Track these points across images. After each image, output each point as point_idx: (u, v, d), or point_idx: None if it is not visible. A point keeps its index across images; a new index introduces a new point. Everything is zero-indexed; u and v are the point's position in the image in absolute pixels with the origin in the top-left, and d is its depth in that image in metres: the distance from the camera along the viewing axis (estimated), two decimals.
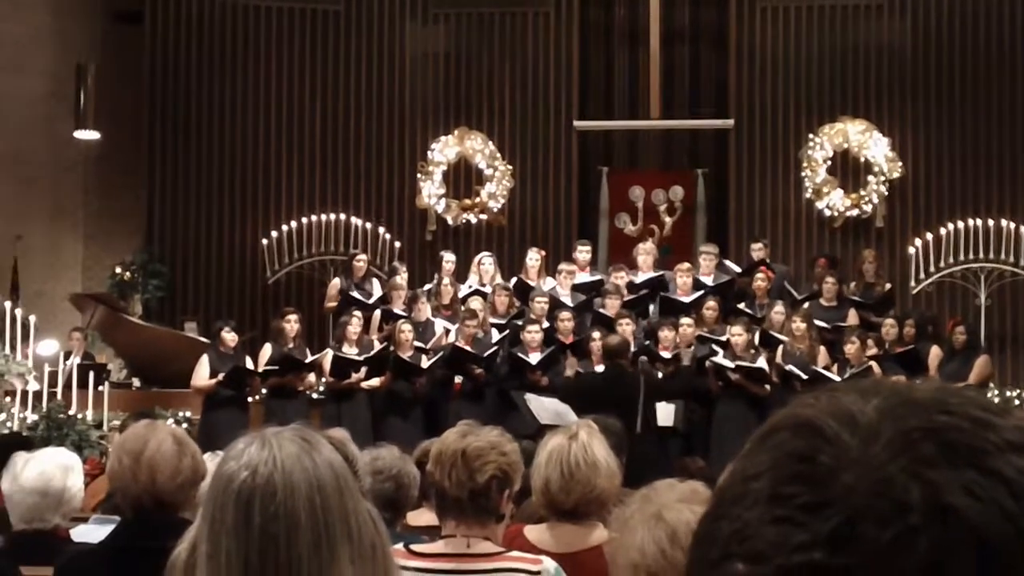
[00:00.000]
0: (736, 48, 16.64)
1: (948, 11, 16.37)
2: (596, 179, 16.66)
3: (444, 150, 16.41)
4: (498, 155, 16.39)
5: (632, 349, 11.99)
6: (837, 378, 11.74)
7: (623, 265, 13.95)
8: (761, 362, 12.36)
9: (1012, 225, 15.28)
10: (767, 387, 12.27)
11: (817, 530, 0.77)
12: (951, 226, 15.37)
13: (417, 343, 12.75)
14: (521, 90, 16.75)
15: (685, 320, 12.80)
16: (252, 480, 1.96)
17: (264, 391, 12.73)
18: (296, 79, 16.87)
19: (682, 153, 17.03)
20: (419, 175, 16.42)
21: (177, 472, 3.78)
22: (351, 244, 15.96)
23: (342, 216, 16.32)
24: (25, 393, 11.78)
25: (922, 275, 15.29)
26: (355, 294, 13.78)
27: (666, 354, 12.46)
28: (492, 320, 13.01)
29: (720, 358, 12.41)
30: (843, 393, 0.84)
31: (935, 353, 13.19)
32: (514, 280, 13.88)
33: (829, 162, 16.08)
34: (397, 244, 16.20)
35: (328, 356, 12.76)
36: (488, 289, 13.63)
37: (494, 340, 12.71)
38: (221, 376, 12.37)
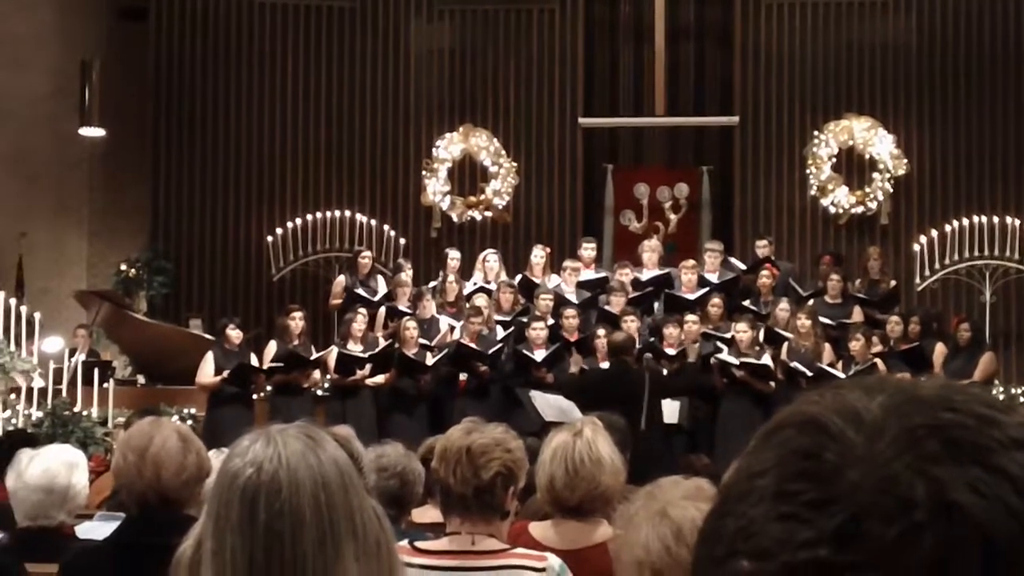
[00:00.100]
0: (741, 45, 16.64)
1: (953, 8, 16.36)
2: (601, 176, 16.66)
3: (449, 147, 16.41)
4: (503, 152, 16.39)
5: (637, 346, 12.00)
6: (842, 375, 11.73)
7: (628, 262, 13.94)
8: (766, 359, 12.36)
9: (1017, 222, 15.28)
10: (772, 384, 12.27)
11: (822, 527, 0.77)
12: (956, 223, 15.36)
13: (422, 340, 12.76)
14: (526, 87, 16.75)
15: (690, 317, 12.79)
16: (257, 477, 1.96)
17: (269, 388, 12.73)
18: (301, 76, 16.87)
19: (687, 150, 17.02)
20: (424, 172, 16.43)
21: (182, 469, 3.78)
22: (356, 241, 15.96)
23: (347, 213, 16.33)
24: (30, 390, 11.79)
25: (927, 272, 15.29)
26: (360, 291, 13.77)
27: (671, 351, 12.45)
28: (497, 317, 13.01)
29: (725, 355, 12.41)
30: (848, 390, 0.84)
31: (940, 350, 13.18)
32: (519, 277, 13.88)
33: (834, 159, 16.08)
34: (402, 241, 16.20)
35: (333, 353, 12.76)
36: (493, 286, 13.62)
37: (499, 337, 12.71)
38: (226, 373, 12.38)
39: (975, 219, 15.35)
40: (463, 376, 12.61)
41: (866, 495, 0.77)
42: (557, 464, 4.14)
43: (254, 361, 12.66)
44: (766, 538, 0.79)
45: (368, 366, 12.57)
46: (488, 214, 16.37)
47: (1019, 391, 13.56)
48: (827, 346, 12.74)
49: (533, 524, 4.31)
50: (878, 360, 12.46)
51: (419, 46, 16.88)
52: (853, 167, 16.14)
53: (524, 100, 16.73)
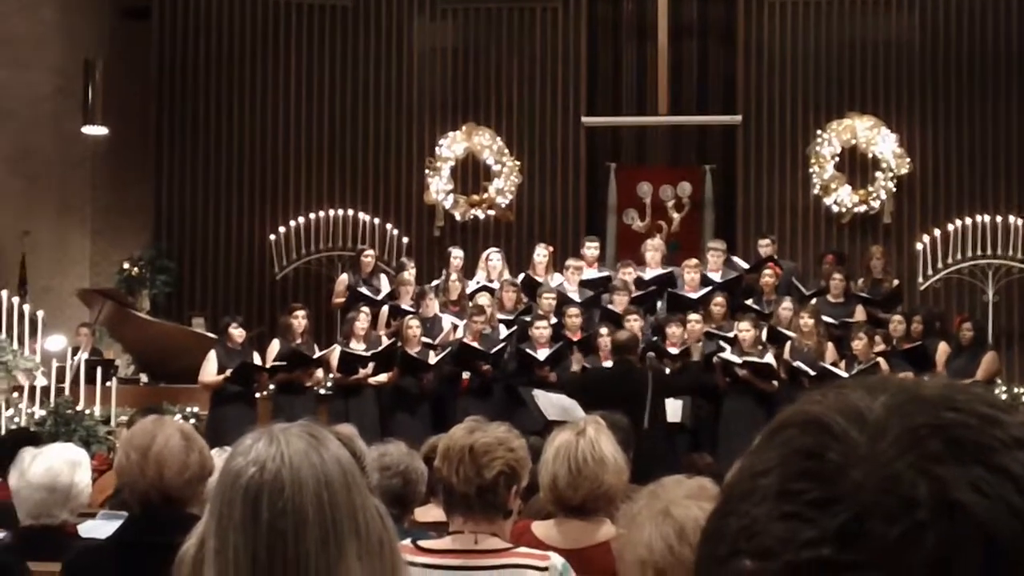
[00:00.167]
0: (744, 44, 16.63)
1: (956, 6, 16.35)
2: (604, 175, 16.66)
3: (452, 146, 16.41)
4: (506, 151, 16.39)
5: (640, 345, 12.00)
6: (844, 374, 11.73)
7: (631, 261, 13.95)
8: (769, 358, 12.36)
9: (1020, 221, 15.26)
10: (775, 383, 12.26)
11: (825, 526, 0.77)
12: (959, 222, 15.35)
13: (425, 339, 12.75)
14: (529, 86, 16.75)
15: (693, 316, 12.80)
16: (260, 476, 1.96)
17: (272, 387, 12.73)
18: (304, 75, 16.87)
19: (690, 149, 17.01)
20: (427, 171, 16.43)
21: (185, 468, 3.78)
22: (359, 240, 15.96)
23: (350, 212, 16.33)
24: (33, 389, 11.80)
25: (930, 271, 15.28)
26: (363, 290, 13.78)
27: (674, 350, 12.45)
28: (500, 316, 13.01)
29: (728, 354, 12.40)
30: (851, 390, 0.84)
31: (943, 349, 13.17)
32: (522, 276, 13.88)
33: (837, 158, 16.07)
34: (405, 240, 16.19)
35: (336, 352, 12.77)
36: (496, 285, 13.63)
37: (502, 336, 12.71)
38: (229, 372, 12.39)
39: (978, 218, 15.34)
40: (466, 375, 12.61)
41: (869, 494, 0.77)
42: (560, 463, 4.14)
43: (257, 360, 12.67)
44: (769, 537, 0.79)
45: (371, 365, 12.57)
46: (491, 213, 16.37)
47: (1021, 390, 13.54)
48: (830, 345, 12.74)
49: (536, 523, 4.31)
50: (881, 359, 12.46)
51: (422, 45, 16.89)
52: (856, 166, 16.13)
53: (527, 99, 16.73)
